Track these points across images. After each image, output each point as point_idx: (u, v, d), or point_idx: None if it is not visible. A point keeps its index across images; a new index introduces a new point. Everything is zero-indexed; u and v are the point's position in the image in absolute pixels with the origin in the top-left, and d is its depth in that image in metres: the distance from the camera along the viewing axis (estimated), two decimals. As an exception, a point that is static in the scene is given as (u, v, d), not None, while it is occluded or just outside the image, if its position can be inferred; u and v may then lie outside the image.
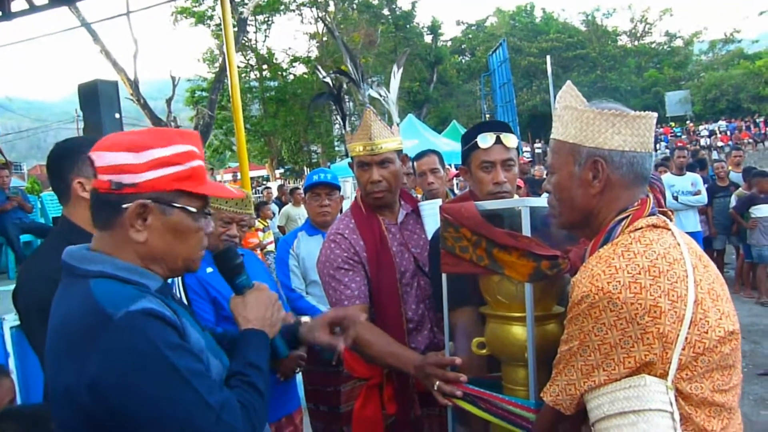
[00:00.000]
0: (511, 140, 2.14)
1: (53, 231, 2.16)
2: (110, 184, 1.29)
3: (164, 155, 1.30)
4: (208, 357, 1.34)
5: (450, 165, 9.03)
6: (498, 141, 2.12)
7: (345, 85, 2.53)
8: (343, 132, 2.47)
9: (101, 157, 1.30)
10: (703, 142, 32.74)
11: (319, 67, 2.62)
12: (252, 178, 21.74)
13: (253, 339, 1.48)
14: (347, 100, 2.56)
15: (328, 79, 2.54)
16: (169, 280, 1.55)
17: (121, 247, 1.32)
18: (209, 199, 1.43)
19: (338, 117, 2.57)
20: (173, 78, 19.52)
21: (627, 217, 1.39)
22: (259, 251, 8.80)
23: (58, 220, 2.06)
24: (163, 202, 1.31)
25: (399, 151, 2.37)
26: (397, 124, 2.41)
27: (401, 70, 2.52)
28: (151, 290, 1.31)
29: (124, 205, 1.28)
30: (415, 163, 4.20)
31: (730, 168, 9.15)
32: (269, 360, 1.54)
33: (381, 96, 2.43)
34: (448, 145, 14.53)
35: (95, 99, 5.40)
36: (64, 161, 1.98)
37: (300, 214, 10.17)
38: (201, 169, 1.36)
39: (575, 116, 1.43)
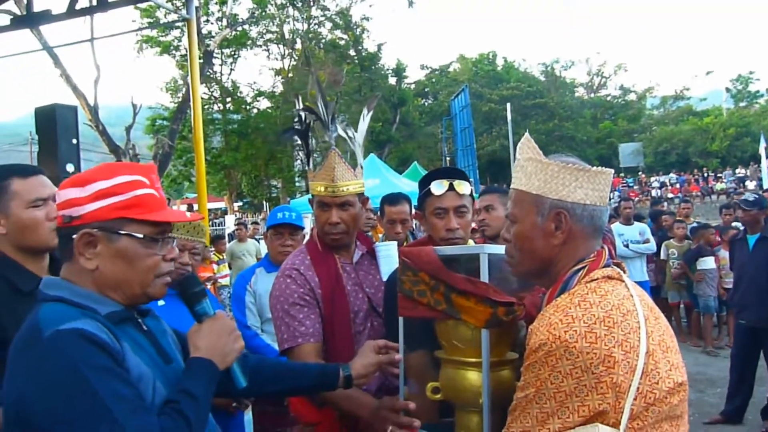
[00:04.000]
0: (464, 187, 2.17)
1: None
2: (63, 219, 1.40)
3: (106, 186, 1.39)
4: (156, 387, 1.36)
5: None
6: (451, 188, 2.15)
7: (312, 122, 2.53)
8: (306, 168, 2.47)
9: (58, 196, 1.42)
10: (654, 193, 33.91)
11: (299, 97, 2.61)
12: (210, 210, 21.50)
13: (195, 367, 1.44)
14: (311, 137, 2.56)
15: (301, 112, 2.54)
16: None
17: (79, 276, 1.40)
18: (169, 226, 1.48)
19: (300, 153, 2.59)
20: (134, 105, 19.27)
21: (584, 267, 1.42)
22: (211, 285, 8.64)
23: None
24: (108, 230, 1.38)
25: (360, 194, 2.38)
26: (361, 167, 2.42)
27: (371, 113, 2.54)
28: (99, 314, 1.35)
29: (74, 236, 1.38)
30: (385, 207, 4.11)
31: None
32: (227, 389, 1.59)
33: (348, 136, 2.45)
34: (409, 185, 14.63)
35: (52, 123, 5.30)
36: None
37: (244, 250, 10.03)
38: (149, 197, 1.44)
39: (539, 168, 1.46)
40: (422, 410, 1.85)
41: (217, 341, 1.51)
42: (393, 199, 4.11)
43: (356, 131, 2.47)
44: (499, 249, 1.68)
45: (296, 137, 2.59)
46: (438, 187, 2.15)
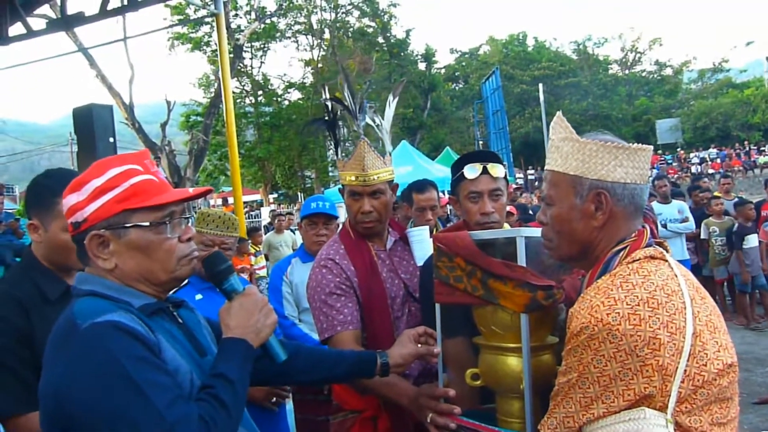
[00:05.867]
0: (498, 170, 2.14)
1: (18, 263, 2.13)
2: (72, 227, 1.39)
3: (100, 183, 1.37)
4: (193, 380, 1.35)
5: (443, 192, 9.05)
6: (485, 171, 2.12)
7: (340, 112, 2.52)
8: (336, 158, 2.47)
9: (63, 205, 1.41)
10: (693, 169, 33.04)
11: (326, 87, 2.59)
12: (245, 203, 21.77)
13: (228, 348, 1.42)
14: (341, 126, 2.56)
15: (328, 102, 2.54)
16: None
17: (104, 276, 1.40)
18: (175, 207, 1.44)
19: (332, 143, 2.57)
20: (168, 102, 19.56)
21: (625, 248, 1.38)
22: (248, 276, 8.75)
23: (25, 252, 2.03)
24: (115, 227, 1.37)
25: (390, 181, 2.38)
26: (390, 154, 2.41)
27: (396, 99, 2.52)
28: (132, 307, 1.35)
29: (84, 241, 1.37)
30: (414, 194, 4.08)
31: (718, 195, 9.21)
32: (265, 367, 1.60)
33: (375, 123, 2.43)
34: (441, 171, 14.56)
35: (90, 123, 5.38)
36: (30, 197, 1.97)
37: (282, 241, 10.12)
38: (146, 183, 1.40)
39: (576, 148, 1.42)
40: (462, 397, 1.84)
41: (249, 318, 1.48)
42: (420, 186, 4.09)
43: (383, 118, 2.45)
44: (536, 232, 1.65)
45: (324, 128, 2.59)
46: (471, 171, 2.12)
